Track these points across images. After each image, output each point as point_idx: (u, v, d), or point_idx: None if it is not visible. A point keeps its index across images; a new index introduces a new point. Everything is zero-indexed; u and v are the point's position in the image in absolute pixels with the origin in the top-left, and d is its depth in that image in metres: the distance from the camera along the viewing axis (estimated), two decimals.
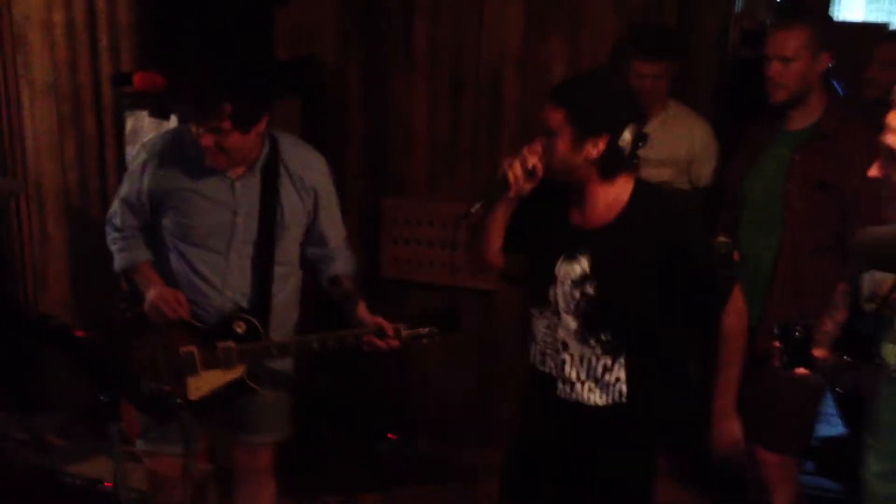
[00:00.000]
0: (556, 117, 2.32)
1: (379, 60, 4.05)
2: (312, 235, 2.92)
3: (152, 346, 2.78)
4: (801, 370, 2.32)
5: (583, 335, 2.45)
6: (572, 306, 2.45)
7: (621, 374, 2.44)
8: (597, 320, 2.43)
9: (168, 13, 3.74)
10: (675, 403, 2.54)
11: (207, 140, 2.62)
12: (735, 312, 2.47)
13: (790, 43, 2.85)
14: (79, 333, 1.99)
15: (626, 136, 2.31)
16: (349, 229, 4.04)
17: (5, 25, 3.99)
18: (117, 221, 2.88)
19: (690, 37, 3.60)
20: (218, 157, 2.67)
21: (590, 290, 2.41)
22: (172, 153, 2.78)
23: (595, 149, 2.30)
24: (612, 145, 2.30)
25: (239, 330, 2.78)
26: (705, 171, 3.45)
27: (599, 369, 2.46)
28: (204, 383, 2.78)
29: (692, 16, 3.60)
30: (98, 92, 3.94)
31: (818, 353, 2.32)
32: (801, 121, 2.94)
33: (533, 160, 2.37)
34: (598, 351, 2.45)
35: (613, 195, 2.39)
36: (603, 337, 2.43)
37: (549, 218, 2.49)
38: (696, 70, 3.62)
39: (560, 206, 2.47)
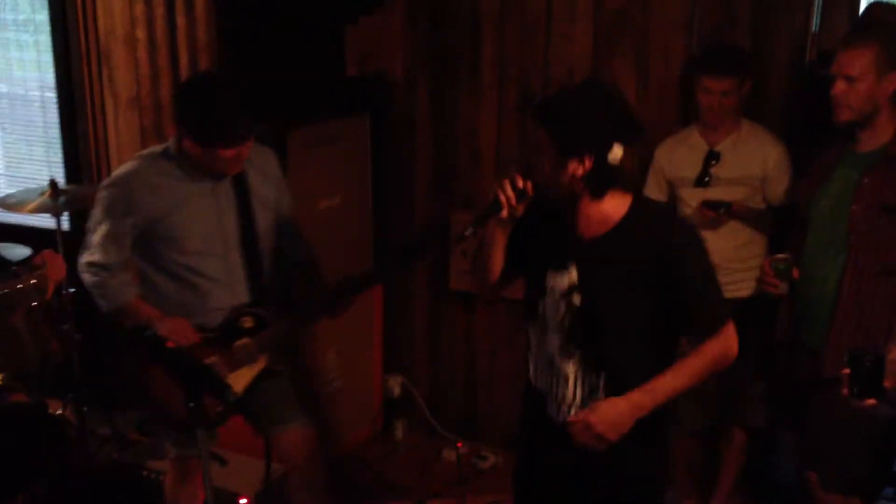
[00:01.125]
0: (539, 136, 2.26)
1: (447, 77, 4.13)
2: (279, 222, 3.08)
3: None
4: (871, 400, 2.28)
5: (567, 351, 2.39)
6: (557, 320, 2.40)
7: (603, 396, 2.36)
8: (580, 334, 2.37)
9: (244, 32, 3.88)
10: (659, 433, 2.46)
11: (232, 153, 2.80)
12: (721, 344, 2.37)
13: (856, 62, 2.82)
14: (170, 344, 2.11)
15: (617, 152, 2.22)
16: (418, 242, 4.17)
17: (92, 41, 4.16)
18: (103, 259, 2.91)
19: (765, 56, 3.60)
20: (236, 166, 2.88)
21: (576, 300, 2.36)
22: (146, 179, 2.87)
23: (581, 167, 2.22)
24: (600, 162, 2.21)
25: (248, 325, 2.93)
26: (779, 191, 3.44)
27: (585, 389, 2.39)
28: (235, 384, 2.89)
29: (767, 35, 3.60)
30: None
31: (888, 383, 2.26)
32: (871, 143, 2.92)
33: (522, 180, 2.32)
34: (582, 370, 2.38)
35: (607, 211, 2.31)
36: (585, 354, 2.36)
37: (545, 233, 2.45)
38: (770, 89, 3.62)
39: (555, 222, 2.41)
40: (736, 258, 3.49)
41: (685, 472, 3.78)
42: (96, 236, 2.93)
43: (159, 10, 3.96)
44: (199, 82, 3.09)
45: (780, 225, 3.40)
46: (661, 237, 2.29)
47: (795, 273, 2.96)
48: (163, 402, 2.77)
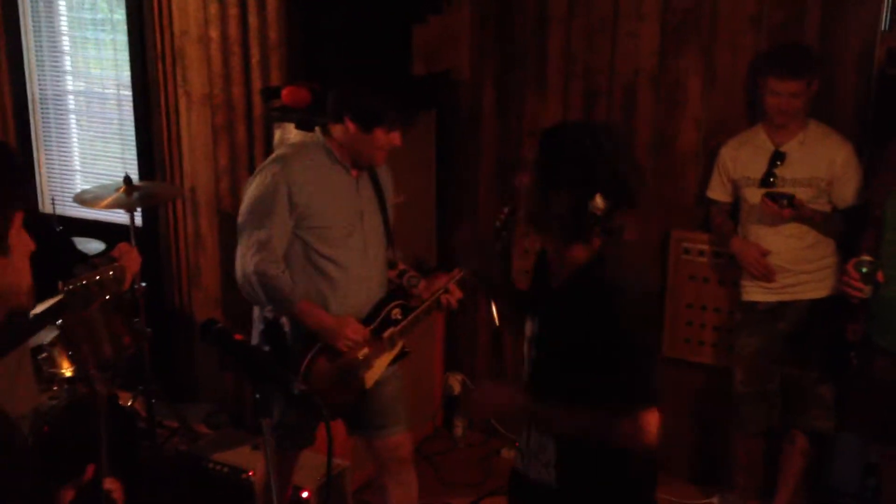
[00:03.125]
0: (530, 156, 2.19)
1: (512, 75, 4.14)
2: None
3: (334, 364, 3.01)
4: None
5: (534, 400, 2.26)
6: (525, 367, 2.33)
7: (552, 456, 2.23)
8: (533, 388, 2.28)
9: (314, 32, 3.94)
10: (617, 496, 2.27)
11: (398, 137, 2.94)
12: (630, 427, 2.11)
13: None
14: (237, 337, 2.15)
15: (598, 202, 2.06)
16: (482, 240, 4.18)
17: (167, 40, 4.27)
18: (271, 255, 2.91)
19: (833, 54, 3.55)
20: (386, 154, 2.99)
21: (533, 352, 2.28)
22: (297, 172, 2.94)
23: (559, 205, 2.09)
24: (579, 207, 2.07)
25: (397, 317, 3.06)
26: (846, 193, 3.39)
27: (537, 445, 2.27)
28: (376, 371, 3.07)
29: (835, 33, 3.54)
30: (249, 104, 4.16)
31: None
32: None
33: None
34: (535, 425, 2.26)
35: (572, 261, 2.17)
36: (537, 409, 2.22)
37: (536, 272, 2.39)
38: (838, 89, 3.56)
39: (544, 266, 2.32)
40: (803, 259, 3.45)
41: (746, 474, 3.74)
42: (260, 234, 2.92)
43: (232, 11, 4.05)
44: (361, 70, 3.30)
45: (850, 226, 3.34)
46: (595, 297, 2.11)
47: (880, 276, 2.90)
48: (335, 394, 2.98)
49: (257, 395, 2.13)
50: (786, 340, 3.54)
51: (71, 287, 2.68)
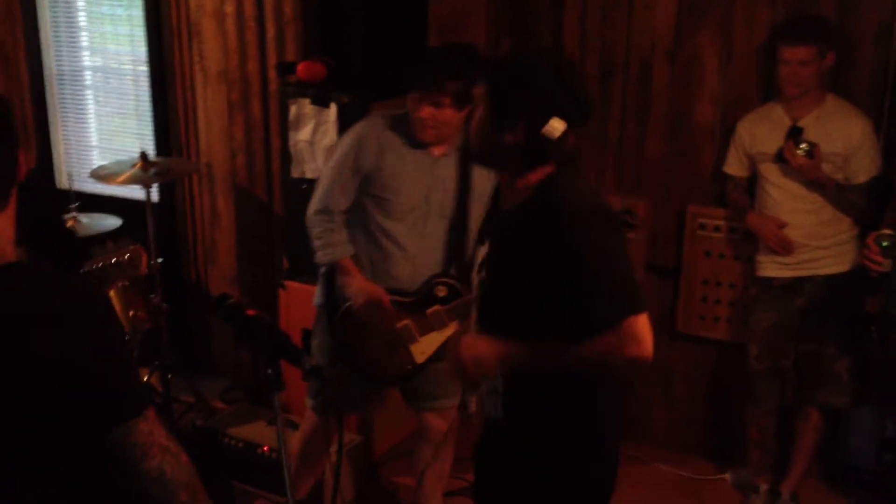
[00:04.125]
0: (478, 91, 2.18)
1: (528, 48, 4.11)
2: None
3: (372, 329, 3.07)
4: None
5: (478, 329, 2.28)
6: (476, 295, 2.34)
7: (500, 384, 2.22)
8: (481, 314, 2.29)
9: (329, 6, 3.93)
10: (564, 432, 2.20)
11: (427, 111, 2.91)
12: (617, 339, 2.03)
13: None
14: (250, 312, 2.17)
15: (555, 125, 2.06)
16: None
17: (182, 15, 4.26)
18: (328, 205, 3.07)
19: (852, 29, 3.51)
20: (428, 130, 2.96)
21: (483, 274, 2.28)
22: (382, 134, 3.05)
23: (514, 134, 2.09)
24: (533, 133, 2.07)
25: (441, 294, 3.07)
26: (863, 167, 3.36)
27: (494, 384, 2.25)
28: (426, 347, 3.10)
29: (854, 8, 3.50)
30: (265, 80, 4.16)
31: None
32: None
33: None
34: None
35: (525, 185, 2.15)
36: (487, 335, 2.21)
37: (493, 200, 2.43)
38: (857, 64, 3.52)
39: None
40: (819, 235, 3.44)
41: (759, 450, 3.74)
42: (325, 182, 3.11)
43: None
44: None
45: (869, 201, 3.32)
46: (549, 220, 2.08)
47: None
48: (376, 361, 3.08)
49: (269, 371, 2.16)
50: (802, 316, 3.52)
51: (88, 270, 2.72)
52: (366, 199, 3.07)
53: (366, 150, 3.03)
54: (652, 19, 3.84)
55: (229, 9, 4.13)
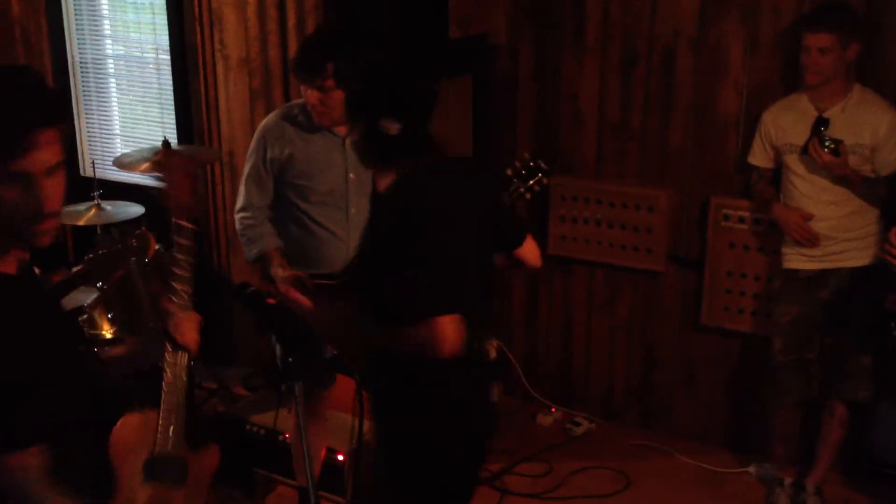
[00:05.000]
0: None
1: (550, 38, 4.08)
2: None
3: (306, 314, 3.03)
4: None
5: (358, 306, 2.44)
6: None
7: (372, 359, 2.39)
8: (360, 291, 2.45)
9: None
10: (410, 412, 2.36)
11: (313, 97, 2.96)
12: (434, 336, 2.17)
13: None
14: (270, 301, 2.17)
15: (391, 125, 2.19)
16: (518, 205, 4.15)
17: (204, 4, 4.26)
18: (245, 201, 3.16)
19: (880, 20, 3.45)
20: (321, 114, 3.00)
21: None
22: (284, 124, 3.11)
23: (359, 133, 2.28)
24: (369, 133, 2.23)
25: None
26: (890, 159, 3.32)
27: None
28: None
29: None
30: (286, 67, 4.15)
31: None
32: None
33: None
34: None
35: (384, 173, 2.32)
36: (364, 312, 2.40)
37: None
38: (885, 54, 3.47)
39: None
40: (844, 227, 3.39)
41: (783, 444, 3.71)
42: (242, 181, 3.20)
43: None
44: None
45: (894, 193, 3.27)
46: (396, 203, 2.26)
47: None
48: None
49: (289, 359, 2.16)
50: (826, 309, 3.48)
51: (93, 256, 2.74)
52: (286, 189, 3.11)
53: (270, 142, 3.08)
54: (676, 7, 3.80)
55: None
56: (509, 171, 2.90)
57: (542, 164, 2.90)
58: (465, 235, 2.30)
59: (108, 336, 3.58)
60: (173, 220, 2.41)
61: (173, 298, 2.38)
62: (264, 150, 3.10)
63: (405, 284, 2.20)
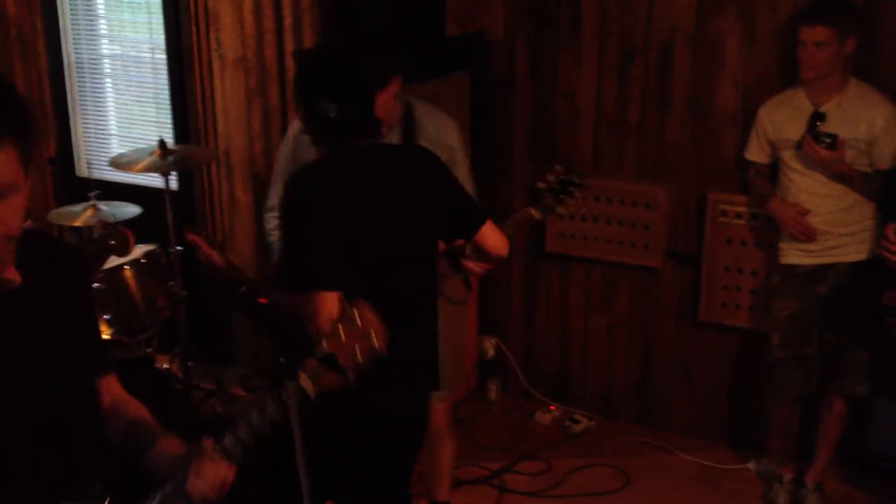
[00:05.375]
0: None
1: (547, 35, 4.07)
2: None
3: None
4: None
5: None
6: None
7: None
8: None
9: None
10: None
11: None
12: (311, 309, 2.28)
13: None
14: (262, 301, 2.16)
15: (328, 107, 2.33)
16: (516, 202, 4.15)
17: (200, 2, 4.25)
18: (274, 201, 3.02)
19: (877, 13, 3.44)
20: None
21: None
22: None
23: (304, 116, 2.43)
24: (308, 115, 2.37)
25: None
26: (887, 153, 3.30)
27: None
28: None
29: None
30: (282, 66, 4.13)
31: None
32: None
33: None
34: None
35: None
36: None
37: None
38: (884, 49, 3.46)
39: None
40: (842, 222, 3.38)
41: (782, 440, 3.70)
42: (273, 180, 3.15)
43: None
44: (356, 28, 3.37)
45: (889, 188, 3.26)
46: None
47: None
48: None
49: (282, 359, 2.15)
50: (824, 304, 3.47)
51: None
52: None
53: (301, 141, 2.94)
54: (672, 2, 3.79)
55: None
56: (542, 185, 2.86)
57: (576, 179, 2.85)
58: (370, 218, 2.36)
59: (107, 337, 3.58)
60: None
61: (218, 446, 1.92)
62: (293, 148, 3.03)
63: (294, 256, 2.35)
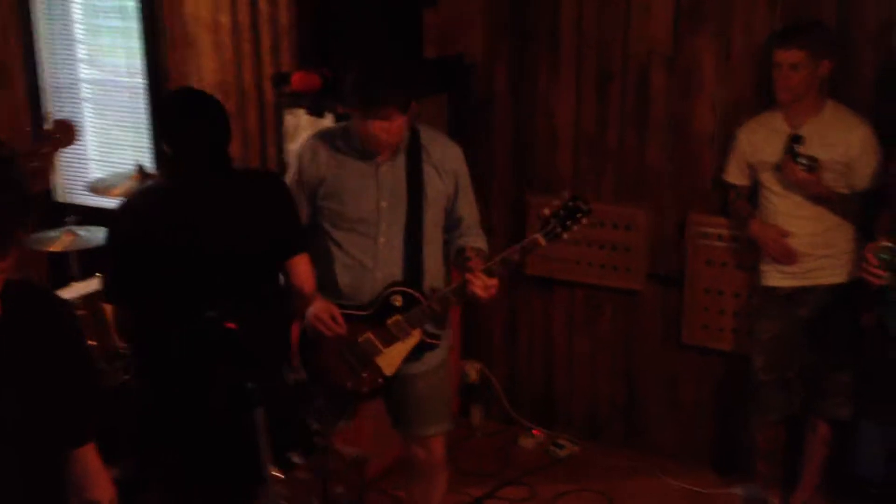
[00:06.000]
0: None
1: (526, 56, 4.07)
2: (450, 216, 3.08)
3: (334, 347, 2.99)
4: None
5: None
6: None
7: None
8: None
9: (324, 16, 3.89)
10: None
11: (378, 127, 2.82)
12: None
13: None
14: (229, 325, 2.12)
15: (166, 147, 2.76)
16: (496, 224, 4.13)
17: (178, 27, 4.24)
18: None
19: (851, 35, 3.44)
20: (384, 144, 2.89)
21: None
22: (320, 147, 3.02)
23: None
24: (159, 153, 2.81)
25: (398, 303, 2.96)
26: (864, 175, 3.29)
27: None
28: (392, 359, 3.00)
29: (853, 12, 3.43)
30: (260, 90, 4.13)
31: None
32: None
33: None
34: None
35: None
36: None
37: None
38: (857, 70, 3.46)
39: None
40: (822, 244, 3.37)
41: (767, 462, 3.66)
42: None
43: None
44: (364, 55, 3.23)
45: (867, 208, 3.25)
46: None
47: None
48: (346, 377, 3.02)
49: (248, 385, 2.11)
50: (806, 326, 3.45)
51: None
52: (320, 215, 3.02)
53: (305, 164, 3.00)
54: (649, 24, 3.79)
55: (224, 19, 4.11)
56: (547, 211, 2.85)
57: (582, 205, 2.85)
58: (172, 238, 2.67)
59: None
60: None
61: None
62: (298, 172, 3.02)
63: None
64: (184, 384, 2.68)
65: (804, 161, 3.21)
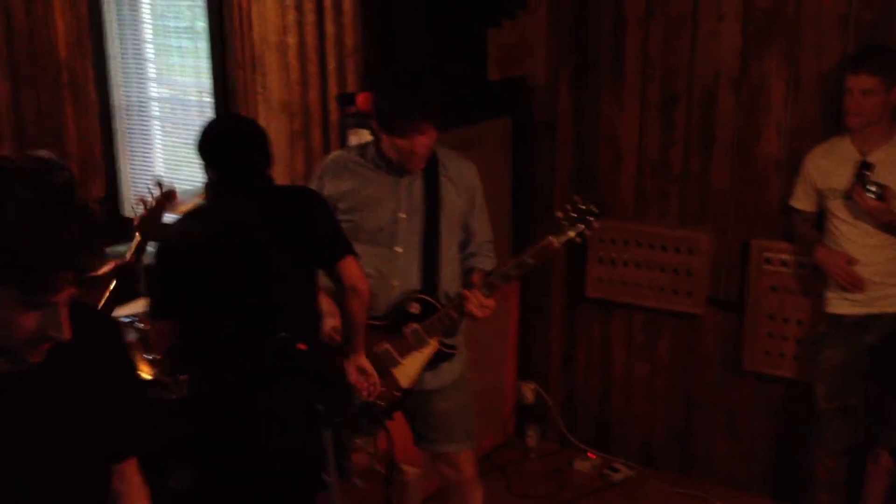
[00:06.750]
0: None
1: (589, 78, 4.08)
2: (464, 232, 3.12)
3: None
4: None
5: None
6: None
7: None
8: None
9: (390, 38, 3.94)
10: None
11: (420, 143, 2.88)
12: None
13: None
14: (301, 346, 2.15)
15: (210, 173, 2.83)
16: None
17: (246, 48, 4.32)
18: None
19: None
20: (419, 158, 2.94)
21: None
22: (344, 161, 3.09)
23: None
24: (208, 178, 2.83)
25: (414, 311, 2.99)
26: None
27: None
28: (409, 369, 3.02)
29: None
30: (325, 110, 4.18)
31: None
32: None
33: None
34: None
35: None
36: None
37: None
38: None
39: None
40: (889, 272, 3.32)
41: (828, 493, 3.60)
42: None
43: (309, 18, 4.08)
44: (399, 69, 3.31)
45: None
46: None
47: None
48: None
49: (319, 407, 2.14)
50: (871, 354, 3.39)
51: None
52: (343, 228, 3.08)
53: (329, 177, 3.07)
54: (716, 46, 3.78)
55: (291, 41, 4.17)
56: (560, 214, 2.92)
57: (593, 208, 2.90)
58: (211, 257, 2.74)
59: (148, 378, 3.59)
60: None
61: None
62: (320, 189, 3.07)
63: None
64: (244, 402, 2.71)
65: (874, 189, 3.17)
